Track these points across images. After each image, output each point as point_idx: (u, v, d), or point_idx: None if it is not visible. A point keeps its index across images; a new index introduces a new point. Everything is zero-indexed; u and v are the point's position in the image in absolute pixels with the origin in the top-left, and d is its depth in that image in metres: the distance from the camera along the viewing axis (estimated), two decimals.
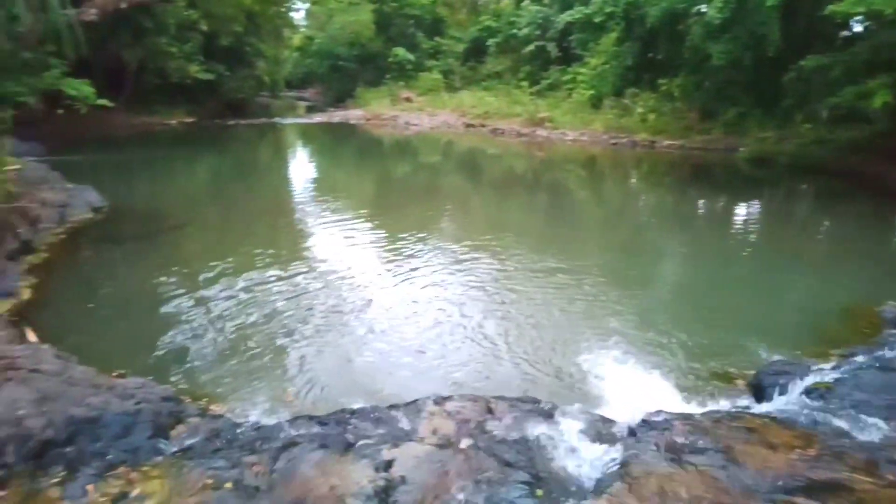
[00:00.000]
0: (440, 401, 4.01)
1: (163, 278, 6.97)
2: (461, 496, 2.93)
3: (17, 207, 8.01)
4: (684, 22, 17.48)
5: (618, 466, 3.22)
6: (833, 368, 4.84)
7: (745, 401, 4.69)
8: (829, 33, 16.39)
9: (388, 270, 7.71)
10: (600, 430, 3.85)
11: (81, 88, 9.11)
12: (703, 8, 16.67)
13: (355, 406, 4.20)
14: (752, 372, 5.03)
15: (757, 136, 19.57)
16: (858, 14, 12.66)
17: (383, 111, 31.87)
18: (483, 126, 27.46)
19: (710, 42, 15.90)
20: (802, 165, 16.71)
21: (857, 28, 16.50)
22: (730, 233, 11.02)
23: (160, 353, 5.24)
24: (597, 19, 19.87)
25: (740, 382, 5.03)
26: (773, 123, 19.41)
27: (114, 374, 4.43)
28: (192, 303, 6.32)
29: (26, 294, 6.17)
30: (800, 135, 18.72)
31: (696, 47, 16.95)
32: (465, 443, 3.46)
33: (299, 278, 7.22)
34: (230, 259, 7.76)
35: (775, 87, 18.01)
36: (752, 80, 17.76)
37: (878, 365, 4.68)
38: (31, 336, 5.02)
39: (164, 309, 6.18)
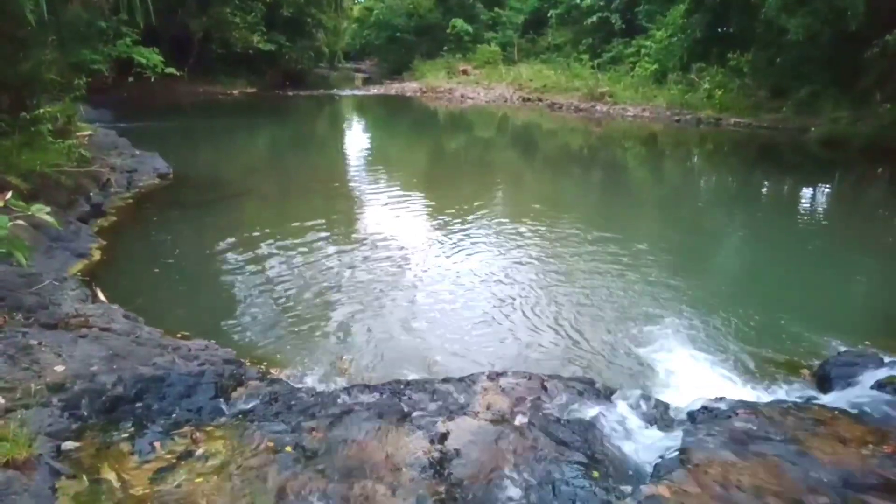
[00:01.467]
0: (494, 376, 3.98)
1: (224, 244, 7.16)
2: (516, 472, 2.91)
3: (90, 172, 8.35)
4: None
5: (677, 452, 3.13)
6: None
7: (809, 391, 4.49)
8: None
9: (441, 243, 7.71)
10: (658, 415, 3.76)
11: (151, 57, 9.36)
12: None
13: (409, 377, 4.24)
14: (818, 362, 4.83)
15: (830, 117, 18.48)
16: None
17: (439, 84, 31.67)
18: (540, 100, 26.98)
19: (786, 15, 15.05)
20: (879, 148, 15.70)
21: None
22: (797, 217, 10.53)
23: (221, 316, 5.39)
24: None
25: (805, 372, 4.82)
26: (849, 103, 18.29)
27: (178, 335, 4.59)
28: (251, 269, 6.48)
29: (96, 255, 6.45)
30: (878, 116, 17.57)
31: (770, 21, 16.09)
32: (519, 420, 3.43)
33: (353, 248, 7.31)
34: (288, 228, 7.90)
35: (854, 65, 16.94)
36: (829, 57, 16.76)
37: None
38: (101, 296, 5.24)
39: (225, 274, 6.36)
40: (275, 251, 7.03)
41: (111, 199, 8.52)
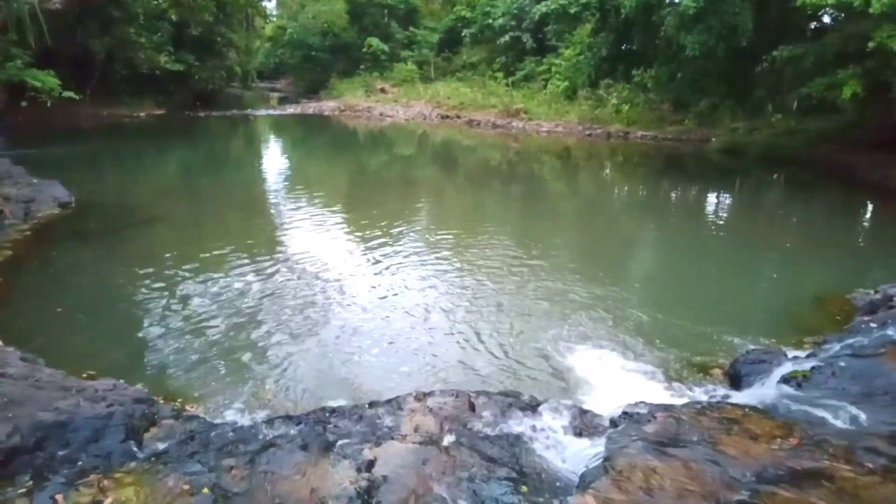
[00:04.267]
0: (421, 397, 3.95)
1: (133, 275, 6.79)
2: (445, 494, 2.89)
3: None
4: (658, 12, 17.50)
5: (601, 460, 3.20)
6: (808, 357, 4.89)
7: (723, 390, 4.72)
8: (799, 25, 16.59)
9: (364, 265, 7.62)
10: (583, 423, 3.84)
11: (46, 80, 8.79)
12: None
13: (335, 404, 4.13)
14: (729, 361, 5.09)
15: (728, 127, 19.85)
16: (828, 5, 12.81)
17: (357, 102, 31.56)
18: (458, 117, 27.39)
19: (683, 32, 15.97)
20: (773, 156, 16.97)
21: (826, 19, 16.74)
22: (702, 223, 11.15)
23: (132, 352, 5.11)
24: (572, 10, 19.79)
25: (717, 372, 5.08)
26: (745, 114, 19.68)
27: (84, 375, 4.29)
28: (163, 300, 6.16)
29: None
30: (771, 125, 19.00)
31: (669, 38, 17.05)
32: (447, 439, 3.41)
33: (273, 274, 7.10)
34: (202, 254, 7.60)
35: (747, 79, 18.21)
36: (725, 72, 17.96)
37: (851, 352, 4.72)
38: None
39: (135, 307, 6.03)
40: (188, 279, 6.73)
41: (6, 231, 7.92)
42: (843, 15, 14.25)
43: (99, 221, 9.22)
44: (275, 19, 47.54)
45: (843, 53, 13.01)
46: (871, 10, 11.39)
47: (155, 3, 23.65)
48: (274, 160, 19.19)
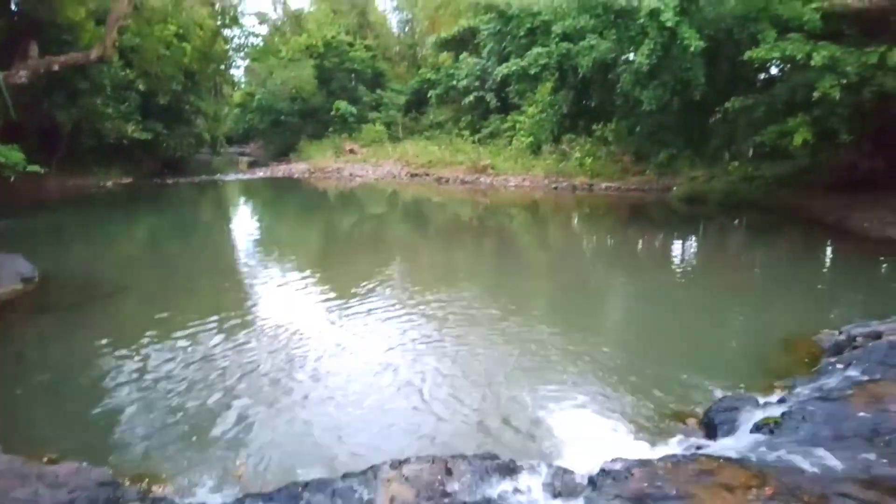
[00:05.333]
0: (396, 465, 3.87)
1: (97, 351, 6.62)
2: None
3: None
4: (614, 70, 18.20)
5: None
6: (779, 402, 4.95)
7: (697, 439, 4.72)
8: (749, 77, 17.39)
9: (334, 328, 7.55)
10: (561, 483, 3.79)
11: (10, 155, 8.71)
12: (632, 56, 17.49)
13: (308, 476, 4.03)
14: (702, 409, 5.10)
15: (688, 176, 20.53)
16: (774, 59, 13.51)
17: (327, 164, 31.87)
18: (427, 175, 27.80)
19: (639, 88, 16.60)
20: (732, 202, 17.54)
21: (774, 71, 17.59)
22: (669, 270, 11.34)
23: (96, 432, 4.93)
24: (532, 71, 20.44)
25: (692, 421, 5.08)
26: (703, 163, 20.37)
27: (45, 459, 4.13)
28: (129, 375, 5.99)
29: None
30: (728, 173, 19.71)
31: (626, 94, 17.71)
32: None
33: (241, 343, 6.96)
34: (171, 325, 7.46)
35: (703, 129, 18.90)
36: (681, 123, 18.64)
37: (820, 395, 4.79)
38: None
39: (100, 384, 5.85)
40: (154, 352, 6.57)
41: None
42: (788, 66, 15.01)
43: (64, 295, 9.02)
44: (244, 86, 48.22)
45: (792, 102, 13.64)
46: (812, 63, 12.06)
47: (122, 73, 23.83)
48: (243, 225, 19.13)
